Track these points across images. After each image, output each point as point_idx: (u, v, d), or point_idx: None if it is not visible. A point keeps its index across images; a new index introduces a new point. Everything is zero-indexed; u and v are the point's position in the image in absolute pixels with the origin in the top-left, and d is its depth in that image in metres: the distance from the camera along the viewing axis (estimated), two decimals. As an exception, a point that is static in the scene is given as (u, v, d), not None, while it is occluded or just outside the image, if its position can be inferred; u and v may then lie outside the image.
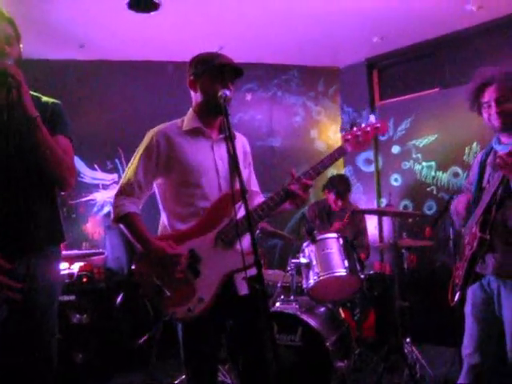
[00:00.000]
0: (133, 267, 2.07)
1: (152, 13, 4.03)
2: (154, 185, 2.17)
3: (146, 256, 2.01)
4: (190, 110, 2.19)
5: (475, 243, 2.13)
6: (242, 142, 2.30)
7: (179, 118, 2.21)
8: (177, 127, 2.15)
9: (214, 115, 2.13)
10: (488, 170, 2.28)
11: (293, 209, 2.15)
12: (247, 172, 2.29)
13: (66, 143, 1.91)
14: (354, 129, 2.17)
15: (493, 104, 2.17)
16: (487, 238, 2.10)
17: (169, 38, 4.48)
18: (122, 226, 2.06)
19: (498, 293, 2.18)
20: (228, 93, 1.96)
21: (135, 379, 3.75)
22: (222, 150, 2.12)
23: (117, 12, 3.94)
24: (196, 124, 2.13)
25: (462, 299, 2.29)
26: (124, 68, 4.88)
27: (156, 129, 2.15)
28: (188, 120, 2.15)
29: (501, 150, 2.20)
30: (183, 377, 3.38)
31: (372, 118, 2.21)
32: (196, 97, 2.17)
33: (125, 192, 2.07)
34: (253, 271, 1.75)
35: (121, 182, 2.12)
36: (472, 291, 2.30)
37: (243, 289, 2.06)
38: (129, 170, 2.12)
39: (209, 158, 2.10)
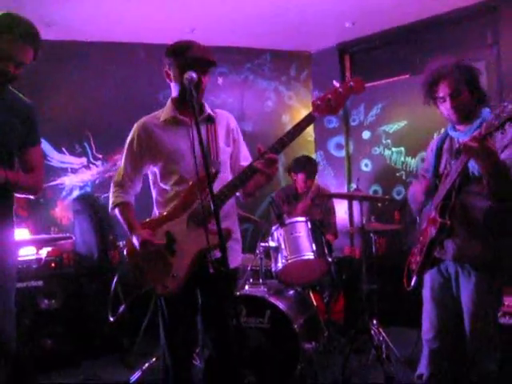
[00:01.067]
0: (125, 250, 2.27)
1: (122, -7, 3.94)
2: (149, 173, 2.33)
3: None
4: (169, 99, 2.28)
5: (435, 228, 2.12)
6: (226, 120, 2.32)
7: (160, 108, 2.31)
8: (156, 118, 2.26)
9: (184, 105, 2.17)
10: (445, 156, 2.30)
11: (265, 182, 2.19)
12: (230, 149, 2.32)
13: (38, 153, 2.17)
14: (325, 92, 2.05)
15: (448, 99, 2.17)
16: (448, 223, 2.09)
17: (140, 20, 4.39)
18: (116, 212, 2.27)
19: (456, 277, 2.22)
20: (194, 75, 1.95)
21: (105, 365, 3.75)
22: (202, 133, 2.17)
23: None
24: (172, 113, 2.23)
25: (420, 284, 2.31)
26: (94, 49, 4.75)
27: (138, 122, 2.29)
28: (165, 110, 2.25)
29: (457, 136, 2.25)
30: (153, 360, 3.39)
31: (335, 83, 2.06)
32: (172, 87, 2.24)
33: (119, 184, 2.29)
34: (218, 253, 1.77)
35: (116, 174, 2.33)
36: (430, 276, 2.32)
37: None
38: (122, 164, 2.31)
39: (185, 144, 2.16)
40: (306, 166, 4.10)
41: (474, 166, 2.07)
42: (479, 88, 2.22)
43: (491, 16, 4.30)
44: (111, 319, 3.28)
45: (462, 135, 2.21)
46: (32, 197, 2.24)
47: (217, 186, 2.06)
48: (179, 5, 4.18)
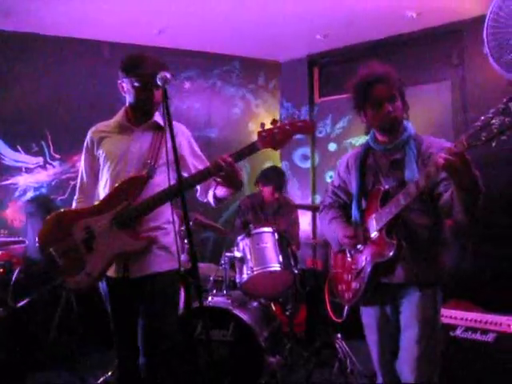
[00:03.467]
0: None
1: (88, -13, 3.80)
2: None
3: (47, 222, 2.19)
4: (124, 107, 2.34)
5: (389, 251, 1.96)
6: (176, 131, 2.22)
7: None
8: (107, 124, 2.35)
9: (140, 114, 2.28)
10: (370, 171, 2.16)
11: (230, 191, 2.21)
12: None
13: None
14: (273, 126, 2.00)
15: (384, 103, 2.04)
16: (403, 244, 1.96)
17: (106, 16, 4.24)
18: None
19: (399, 299, 2.07)
20: (168, 75, 1.90)
21: (54, 377, 3.53)
22: (142, 140, 2.25)
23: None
24: (119, 119, 2.31)
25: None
26: (57, 44, 4.56)
27: (91, 127, 2.37)
28: (116, 117, 2.34)
29: (382, 149, 2.12)
30: (109, 374, 3.23)
31: (285, 121, 2.01)
32: (126, 97, 2.30)
33: (80, 189, 2.37)
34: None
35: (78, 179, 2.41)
36: (369, 303, 2.14)
37: (135, 271, 2.15)
38: (80, 169, 2.39)
39: (123, 148, 2.23)
40: (275, 179, 4.04)
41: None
42: (405, 100, 2.13)
43: (456, 38, 4.42)
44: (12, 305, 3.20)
45: (390, 149, 2.11)
46: None
47: (148, 191, 2.12)
48: (148, 4, 4.06)
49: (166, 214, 2.17)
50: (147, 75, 2.12)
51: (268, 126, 2.01)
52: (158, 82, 1.89)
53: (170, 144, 1.83)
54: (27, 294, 3.63)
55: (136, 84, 2.16)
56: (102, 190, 2.25)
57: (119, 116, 2.32)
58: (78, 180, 2.39)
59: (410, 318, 2.02)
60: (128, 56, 2.24)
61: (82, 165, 2.36)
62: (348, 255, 2.21)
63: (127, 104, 2.30)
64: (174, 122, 2.21)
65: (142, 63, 2.17)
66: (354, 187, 2.21)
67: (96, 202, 2.24)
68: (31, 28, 4.38)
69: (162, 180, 2.13)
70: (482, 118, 1.62)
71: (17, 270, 3.68)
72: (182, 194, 1.74)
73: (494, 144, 1.62)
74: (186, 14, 4.21)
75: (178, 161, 1.78)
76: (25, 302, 3.63)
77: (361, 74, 2.13)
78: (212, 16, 4.26)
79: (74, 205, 2.35)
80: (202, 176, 2.09)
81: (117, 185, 2.15)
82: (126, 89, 2.23)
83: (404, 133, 2.10)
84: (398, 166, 2.08)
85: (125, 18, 4.26)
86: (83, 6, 4.03)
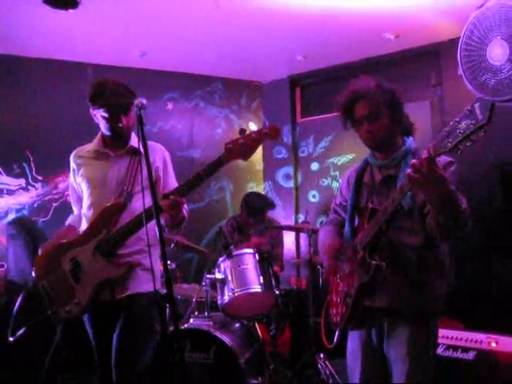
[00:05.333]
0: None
1: (70, 10, 3.81)
2: None
3: (40, 257, 2.29)
4: (99, 132, 2.38)
5: (367, 272, 1.81)
6: (152, 155, 2.21)
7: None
8: (85, 149, 2.41)
9: (114, 140, 2.31)
10: (365, 188, 2.06)
11: (173, 222, 2.20)
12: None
13: None
14: (238, 136, 2.02)
15: (364, 122, 1.95)
16: (383, 264, 1.80)
17: (89, 38, 4.27)
18: None
19: (388, 329, 1.94)
20: (144, 101, 1.90)
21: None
22: (119, 166, 2.29)
23: (31, 5, 3.68)
24: (96, 146, 2.35)
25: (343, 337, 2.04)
26: (39, 66, 4.56)
27: (73, 152, 2.45)
28: (93, 142, 2.38)
29: (378, 165, 2.03)
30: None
31: (252, 126, 2.05)
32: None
33: (72, 208, 2.50)
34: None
35: None
36: (356, 328, 2.01)
37: (118, 292, 2.19)
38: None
39: (101, 174, 2.28)
40: (249, 204, 4.06)
41: (404, 199, 1.79)
42: (401, 113, 1.99)
43: (434, 59, 4.52)
44: (10, 339, 3.12)
45: (385, 165, 2.01)
46: None
47: (126, 217, 2.16)
48: (131, 27, 4.10)
49: (148, 237, 2.13)
50: (112, 105, 2.19)
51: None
52: (135, 109, 1.87)
53: (145, 171, 1.81)
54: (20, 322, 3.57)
55: (103, 114, 2.21)
56: (87, 213, 2.32)
57: (96, 142, 2.36)
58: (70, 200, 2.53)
59: (399, 354, 1.89)
60: (93, 85, 2.27)
61: (69, 189, 2.51)
62: (338, 277, 2.08)
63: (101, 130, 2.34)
64: (151, 143, 2.27)
65: (105, 92, 2.20)
66: (348, 204, 2.11)
67: (81, 231, 2.32)
68: (14, 50, 4.39)
69: (139, 206, 2.09)
70: (451, 122, 1.47)
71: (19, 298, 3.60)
72: (157, 218, 1.73)
73: (459, 152, 1.46)
74: (167, 35, 4.26)
75: (154, 186, 1.78)
76: (19, 333, 3.54)
77: (345, 94, 2.04)
78: (193, 38, 4.31)
79: (68, 220, 2.49)
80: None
81: (97, 214, 2.22)
82: (97, 118, 2.28)
83: (400, 148, 1.97)
84: (390, 182, 1.97)
85: (108, 41, 4.29)
86: (67, 28, 4.06)
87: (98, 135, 2.37)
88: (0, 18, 3.90)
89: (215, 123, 5.28)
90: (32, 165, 4.51)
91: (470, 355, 2.80)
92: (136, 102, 1.88)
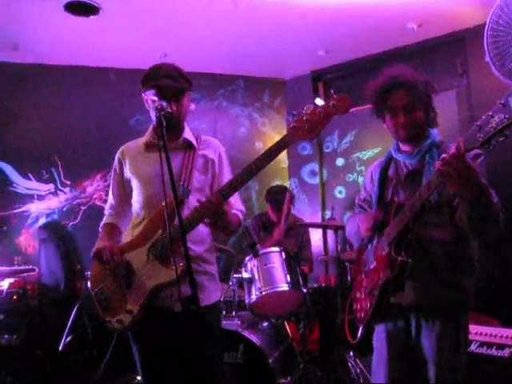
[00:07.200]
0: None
1: (92, 17, 3.87)
2: None
3: (94, 265, 2.11)
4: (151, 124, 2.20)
5: (392, 268, 1.77)
6: (207, 149, 2.17)
7: (131, 134, 2.31)
8: (136, 143, 2.22)
9: (166, 130, 1.94)
10: (391, 183, 2.00)
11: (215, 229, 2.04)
12: (206, 179, 2.13)
13: None
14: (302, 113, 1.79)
15: (400, 113, 1.89)
16: (409, 261, 1.75)
17: (111, 43, 4.33)
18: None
19: (416, 324, 1.90)
20: (164, 104, 1.88)
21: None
22: (175, 159, 2.04)
23: (54, 13, 3.76)
24: (148, 138, 2.15)
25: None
26: (63, 73, 4.66)
27: (121, 147, 2.26)
28: (146, 135, 2.19)
29: (404, 159, 1.99)
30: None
31: (318, 101, 1.83)
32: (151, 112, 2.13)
33: (110, 206, 2.27)
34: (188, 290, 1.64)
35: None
36: (383, 325, 1.97)
37: (178, 305, 1.94)
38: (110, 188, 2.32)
39: (153, 170, 2.03)
40: (273, 196, 4.04)
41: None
42: (433, 107, 1.95)
43: (460, 47, 4.40)
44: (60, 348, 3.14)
45: (410, 158, 1.96)
46: None
47: (184, 215, 1.91)
48: (152, 29, 4.14)
49: (198, 234, 2.03)
50: (162, 87, 1.98)
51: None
52: (155, 111, 1.82)
53: (165, 168, 1.66)
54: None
55: (153, 97, 1.97)
56: (140, 211, 2.11)
57: (147, 134, 2.18)
58: (109, 198, 2.30)
59: (431, 349, 1.84)
60: (149, 67, 2.07)
61: (111, 184, 2.28)
62: (362, 274, 2.04)
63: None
64: (207, 137, 2.21)
65: (158, 73, 2.01)
66: (373, 199, 2.06)
67: (129, 231, 2.12)
68: (38, 59, 4.48)
69: (197, 202, 1.96)
70: (483, 116, 1.40)
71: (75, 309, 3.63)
72: (178, 213, 1.64)
73: (491, 147, 1.41)
74: (187, 36, 4.27)
75: (173, 179, 1.67)
76: (67, 341, 3.59)
77: (381, 79, 1.96)
78: (214, 37, 4.32)
79: (105, 217, 2.25)
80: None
81: (152, 214, 2.01)
82: (148, 104, 2.06)
83: (425, 141, 1.92)
84: (415, 176, 1.92)
85: (129, 44, 4.33)
86: (89, 35, 4.12)
87: (150, 127, 2.18)
88: (23, 29, 3.99)
89: (238, 122, 5.28)
90: (60, 170, 4.61)
91: (506, 352, 2.71)
92: (156, 104, 1.86)
